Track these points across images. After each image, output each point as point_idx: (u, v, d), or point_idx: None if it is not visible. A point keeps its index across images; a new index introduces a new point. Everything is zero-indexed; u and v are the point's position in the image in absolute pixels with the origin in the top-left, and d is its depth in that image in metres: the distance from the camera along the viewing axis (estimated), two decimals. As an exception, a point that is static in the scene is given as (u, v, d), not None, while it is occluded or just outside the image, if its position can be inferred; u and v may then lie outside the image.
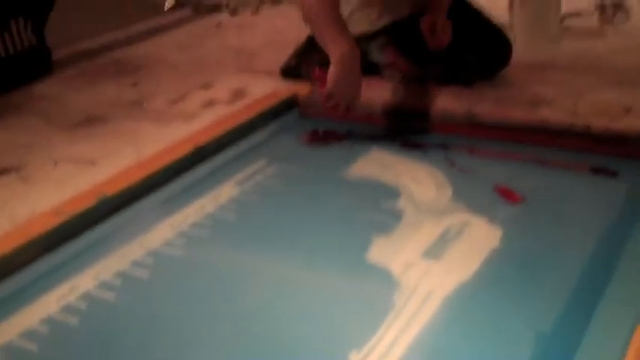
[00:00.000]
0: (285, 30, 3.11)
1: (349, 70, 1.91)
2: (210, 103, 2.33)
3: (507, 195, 1.65)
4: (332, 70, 1.90)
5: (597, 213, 1.59)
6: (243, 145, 2.00)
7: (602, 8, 3.12)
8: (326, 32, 1.96)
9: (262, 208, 1.68)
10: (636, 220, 1.54)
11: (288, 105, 2.20)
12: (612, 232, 1.51)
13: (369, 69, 2.15)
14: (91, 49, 3.05)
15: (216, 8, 3.58)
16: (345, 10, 2.24)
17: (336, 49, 1.90)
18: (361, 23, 2.22)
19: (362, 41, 2.09)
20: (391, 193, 1.69)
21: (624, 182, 1.70)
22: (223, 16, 3.47)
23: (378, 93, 2.08)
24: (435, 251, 1.45)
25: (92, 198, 1.66)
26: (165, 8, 3.69)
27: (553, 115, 1.87)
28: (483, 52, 2.28)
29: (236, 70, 2.67)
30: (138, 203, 1.71)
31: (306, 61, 2.37)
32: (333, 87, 1.90)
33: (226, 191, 1.74)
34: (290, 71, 2.45)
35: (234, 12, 3.51)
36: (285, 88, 2.31)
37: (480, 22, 2.35)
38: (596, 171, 1.74)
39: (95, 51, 3.02)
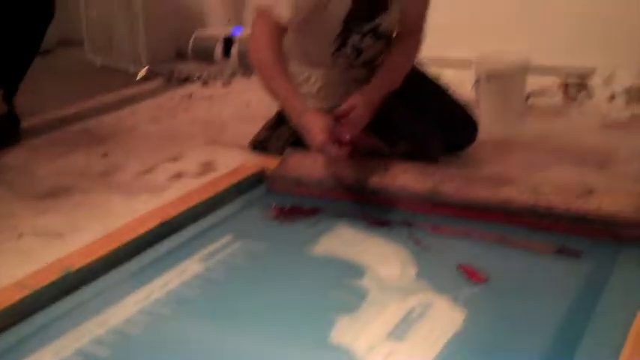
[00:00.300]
0: (256, 103, 3.15)
1: (302, 127, 1.98)
2: (178, 176, 2.35)
3: (471, 274, 1.66)
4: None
5: (560, 294, 1.60)
6: (209, 220, 2.00)
7: (565, 87, 3.21)
8: (281, 97, 2.06)
9: (226, 285, 1.67)
10: (599, 301, 1.55)
11: (256, 179, 2.21)
12: (575, 313, 1.52)
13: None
14: (62, 118, 3.07)
15: (188, 79, 3.62)
16: (311, 88, 2.29)
17: (292, 118, 2.01)
18: (327, 101, 2.25)
19: None
20: (356, 271, 1.69)
21: (587, 262, 1.72)
22: (195, 87, 3.51)
23: (345, 169, 2.10)
24: (398, 332, 1.45)
25: (57, 272, 1.65)
26: (138, 78, 3.72)
27: (516, 194, 1.89)
28: (450, 129, 2.32)
29: (205, 142, 2.69)
30: (102, 278, 1.69)
31: (275, 135, 2.39)
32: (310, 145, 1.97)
33: (191, 267, 1.73)
34: (259, 145, 2.47)
35: (205, 83, 3.55)
36: (253, 162, 2.33)
37: (447, 99, 2.41)
38: (560, 251, 1.75)
39: (66, 119, 3.05)
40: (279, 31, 2.06)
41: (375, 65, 2.27)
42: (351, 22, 2.16)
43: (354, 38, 2.20)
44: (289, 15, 2.03)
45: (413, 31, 2.26)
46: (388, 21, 2.21)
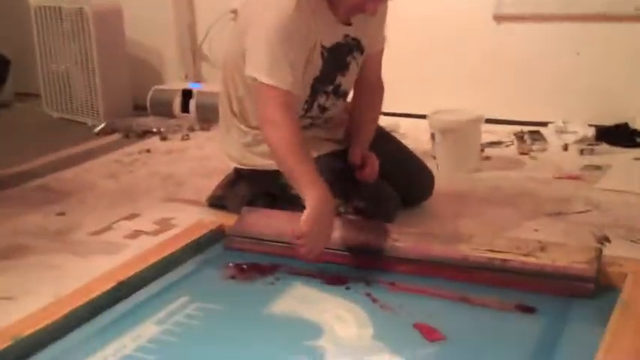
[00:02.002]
0: (214, 156, 3.15)
1: (324, 215, 1.91)
2: (135, 234, 2.33)
3: (428, 333, 1.67)
4: (308, 213, 1.89)
5: (517, 350, 1.61)
6: (166, 279, 1.99)
7: (520, 138, 3.27)
8: (298, 174, 1.97)
9: (182, 348, 1.65)
10: (554, 355, 1.57)
11: (214, 237, 2.20)
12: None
13: (292, 202, 2.19)
14: (20, 174, 3.04)
15: (146, 133, 3.61)
16: (243, 138, 2.31)
17: (310, 193, 1.91)
18: None
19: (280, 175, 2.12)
20: (314, 331, 1.69)
21: (542, 318, 1.74)
22: (154, 142, 3.51)
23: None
24: (355, 395, 1.45)
25: (6, 338, 1.62)
26: (96, 131, 3.71)
27: (472, 250, 1.91)
28: (407, 184, 2.35)
29: (163, 198, 2.69)
30: (56, 344, 1.67)
31: (233, 192, 2.40)
32: (308, 231, 1.88)
33: (147, 330, 1.71)
34: (216, 201, 2.47)
35: (164, 137, 3.54)
36: (211, 219, 2.32)
37: (403, 154, 2.43)
38: (515, 307, 1.77)
39: (23, 176, 3.02)
40: (292, 100, 2.06)
41: (333, 122, 2.33)
42: (317, 84, 2.21)
43: (320, 99, 2.25)
44: (295, 90, 2.05)
45: (376, 87, 2.38)
46: (348, 80, 2.29)
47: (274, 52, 2.01)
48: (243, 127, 2.29)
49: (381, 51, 2.37)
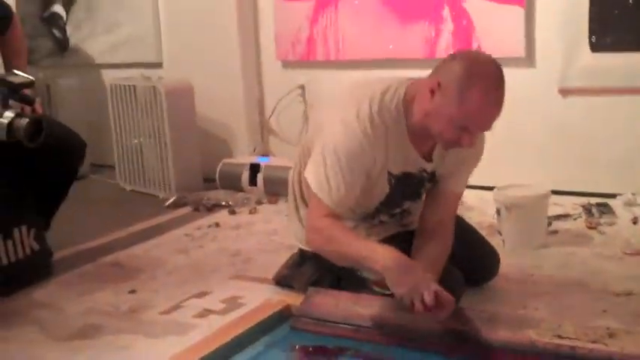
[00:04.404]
0: (281, 230, 3.21)
1: (401, 268, 1.93)
2: (204, 314, 2.38)
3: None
4: (387, 279, 1.93)
5: None
6: (234, 361, 2.03)
7: (588, 210, 3.23)
8: (355, 253, 2.01)
9: None
10: None
11: (280, 317, 2.24)
12: None
13: (358, 284, 2.21)
14: (92, 250, 3.13)
15: (215, 207, 3.70)
16: None
17: (377, 262, 1.94)
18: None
19: None
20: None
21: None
22: (222, 215, 3.59)
23: (367, 308, 2.12)
24: None
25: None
26: (167, 204, 3.82)
27: (539, 335, 1.90)
28: (472, 264, 2.34)
29: (232, 275, 2.74)
30: None
31: (299, 272, 2.43)
32: (397, 291, 1.92)
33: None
34: (282, 281, 2.51)
35: (232, 211, 3.62)
36: (277, 298, 2.36)
37: (468, 234, 2.43)
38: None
39: (96, 251, 3.11)
40: (336, 214, 2.09)
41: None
42: (382, 207, 2.25)
43: (383, 217, 2.29)
44: (339, 209, 2.09)
45: (449, 227, 2.24)
46: (417, 207, 2.29)
47: (330, 168, 2.04)
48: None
49: (459, 195, 2.31)
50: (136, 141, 4.17)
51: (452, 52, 2.07)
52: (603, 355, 1.82)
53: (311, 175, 2.10)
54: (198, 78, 4.12)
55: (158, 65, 4.47)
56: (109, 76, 4.55)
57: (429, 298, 1.87)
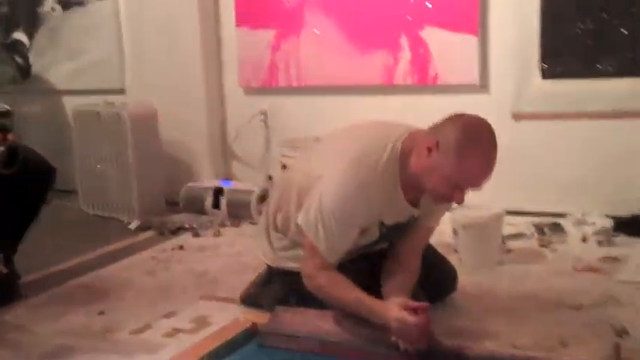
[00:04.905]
0: (246, 252, 3.29)
1: (400, 332, 2.04)
2: (173, 333, 2.44)
3: None
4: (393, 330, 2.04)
5: None
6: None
7: (540, 230, 3.37)
8: (355, 311, 2.14)
9: None
10: None
11: (248, 335, 2.31)
12: None
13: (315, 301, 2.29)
14: (60, 273, 3.17)
15: (179, 230, 3.77)
16: (279, 243, 2.43)
17: (384, 317, 2.06)
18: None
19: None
20: None
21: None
22: (187, 238, 3.65)
23: (333, 324, 2.21)
24: None
25: None
26: (131, 227, 3.87)
27: (497, 347, 2.01)
28: (431, 281, 2.44)
29: (198, 296, 2.80)
30: None
31: (266, 291, 2.51)
32: (398, 336, 2.05)
33: None
34: (250, 300, 2.58)
35: (196, 234, 3.69)
36: (245, 317, 2.43)
37: (427, 252, 2.53)
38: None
39: (64, 274, 3.15)
40: (330, 263, 2.19)
41: None
42: (370, 245, 2.33)
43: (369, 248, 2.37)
44: (333, 260, 2.18)
45: (419, 254, 2.36)
46: (400, 242, 2.36)
47: (324, 222, 2.13)
48: (280, 235, 2.43)
49: (433, 229, 2.42)
50: (99, 166, 4.22)
51: (452, 114, 2.13)
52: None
53: (306, 223, 2.17)
54: (162, 103, 4.19)
55: (121, 92, 4.55)
56: (72, 103, 4.60)
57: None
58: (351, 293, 2.13)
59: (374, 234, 2.26)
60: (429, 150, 2.07)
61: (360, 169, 2.12)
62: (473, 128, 2.07)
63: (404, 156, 2.15)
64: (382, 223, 2.24)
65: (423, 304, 2.05)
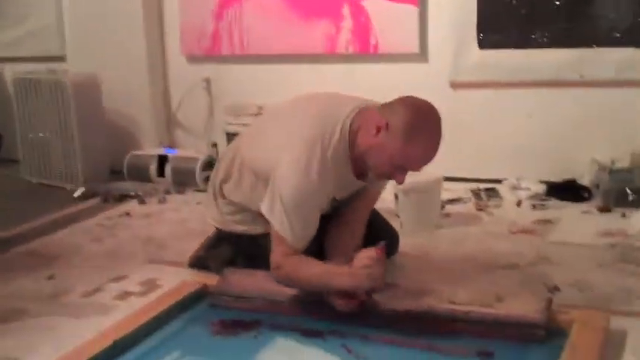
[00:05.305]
0: (191, 218, 3.35)
1: (363, 277, 2.09)
2: (124, 296, 2.50)
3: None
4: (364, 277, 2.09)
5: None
6: (157, 337, 2.15)
7: (477, 194, 3.50)
8: (319, 286, 2.16)
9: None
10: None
11: (198, 296, 2.38)
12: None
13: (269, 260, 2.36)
14: (5, 240, 3.16)
15: (124, 197, 3.79)
16: (227, 208, 2.50)
17: (343, 281, 2.10)
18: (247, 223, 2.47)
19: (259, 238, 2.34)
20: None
21: (500, 362, 1.95)
22: (132, 205, 3.68)
23: (277, 284, 2.29)
24: None
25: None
26: (75, 195, 3.87)
27: (437, 302, 2.12)
28: (372, 242, 2.53)
29: (147, 260, 2.85)
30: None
31: (214, 254, 2.58)
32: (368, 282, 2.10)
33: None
34: (198, 263, 2.65)
35: (142, 201, 3.72)
36: (194, 279, 2.50)
37: (372, 217, 2.61)
38: (476, 353, 1.97)
39: (9, 241, 3.15)
40: (297, 250, 2.21)
41: None
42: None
43: None
44: (300, 245, 2.21)
45: (364, 217, 2.45)
46: (347, 207, 2.42)
47: (288, 215, 2.16)
48: (227, 201, 2.50)
49: (380, 192, 2.50)
50: (41, 134, 4.19)
51: (405, 97, 2.19)
52: (493, 318, 2.05)
53: (270, 214, 2.20)
54: (104, 71, 4.18)
55: (62, 59, 4.51)
56: (12, 70, 4.55)
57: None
58: (314, 268, 2.18)
59: (326, 209, 2.33)
60: (378, 130, 2.13)
61: (315, 155, 2.15)
62: (423, 115, 2.14)
63: (352, 134, 2.21)
64: (334, 198, 2.31)
65: (382, 244, 2.14)
